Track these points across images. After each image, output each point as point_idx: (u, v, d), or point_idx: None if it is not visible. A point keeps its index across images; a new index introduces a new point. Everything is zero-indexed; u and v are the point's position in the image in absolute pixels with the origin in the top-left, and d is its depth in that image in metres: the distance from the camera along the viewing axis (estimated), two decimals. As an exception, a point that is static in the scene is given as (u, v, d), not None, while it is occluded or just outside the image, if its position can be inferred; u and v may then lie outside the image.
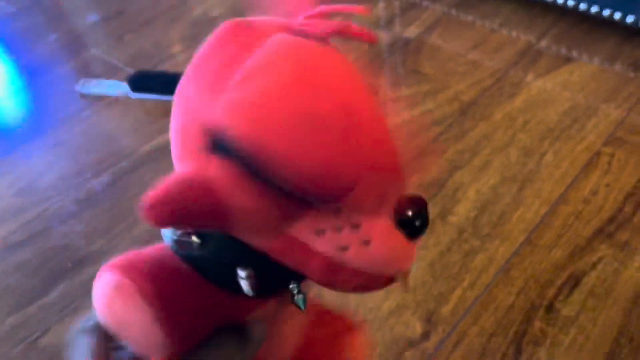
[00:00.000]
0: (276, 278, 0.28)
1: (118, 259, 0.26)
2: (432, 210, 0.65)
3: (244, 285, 0.26)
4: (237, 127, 0.22)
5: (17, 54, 1.05)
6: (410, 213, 0.25)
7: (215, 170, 0.23)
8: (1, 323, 0.61)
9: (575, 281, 0.57)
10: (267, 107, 0.22)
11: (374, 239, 0.24)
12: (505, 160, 0.70)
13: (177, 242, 0.27)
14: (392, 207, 0.25)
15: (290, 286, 0.28)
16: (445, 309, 0.56)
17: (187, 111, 0.26)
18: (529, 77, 0.81)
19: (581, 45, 0.84)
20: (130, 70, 0.91)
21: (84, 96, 0.92)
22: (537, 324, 0.54)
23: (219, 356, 0.28)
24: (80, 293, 0.63)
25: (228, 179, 0.23)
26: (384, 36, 0.93)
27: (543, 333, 0.53)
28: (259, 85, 0.22)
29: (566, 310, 0.55)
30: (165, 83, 0.86)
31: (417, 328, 0.55)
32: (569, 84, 0.78)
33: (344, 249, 0.24)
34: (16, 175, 0.80)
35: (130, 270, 0.25)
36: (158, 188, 0.22)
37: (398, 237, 0.25)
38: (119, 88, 0.90)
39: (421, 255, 0.61)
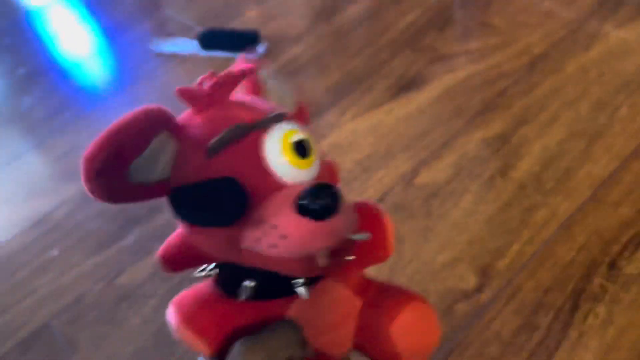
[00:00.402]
0: (274, 282, 0.32)
1: (179, 298, 0.35)
2: (494, 165, 0.64)
3: (242, 293, 0.32)
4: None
5: (96, 15, 1.11)
6: (309, 199, 0.27)
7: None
8: (84, 262, 0.67)
9: (642, 239, 0.54)
10: None
11: (288, 231, 0.28)
12: (574, 114, 0.67)
13: (202, 277, 0.34)
14: (295, 198, 0.28)
15: (293, 281, 0.32)
16: (501, 263, 0.56)
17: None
18: (607, 27, 0.76)
19: (669, -9, 0.78)
20: (201, 29, 0.94)
21: (158, 55, 0.96)
22: (597, 280, 0.53)
23: (280, 342, 0.33)
24: (153, 237, 0.67)
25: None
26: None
27: (603, 289, 0.52)
28: None
29: (630, 268, 0.53)
30: (233, 40, 0.89)
31: (471, 281, 0.55)
32: (651, 34, 0.73)
33: (274, 246, 0.28)
34: (97, 129, 0.85)
35: (185, 309, 0.34)
36: (164, 247, 0.33)
37: (304, 224, 0.27)
38: (190, 46, 0.94)
39: (479, 210, 0.60)
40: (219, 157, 0.29)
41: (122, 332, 0.59)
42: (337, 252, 0.30)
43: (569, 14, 0.79)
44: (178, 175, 0.30)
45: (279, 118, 0.30)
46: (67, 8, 1.14)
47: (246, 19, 0.98)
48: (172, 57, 0.95)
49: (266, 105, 0.32)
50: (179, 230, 0.33)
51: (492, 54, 0.77)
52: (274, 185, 0.29)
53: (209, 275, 0.34)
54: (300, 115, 0.36)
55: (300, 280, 0.32)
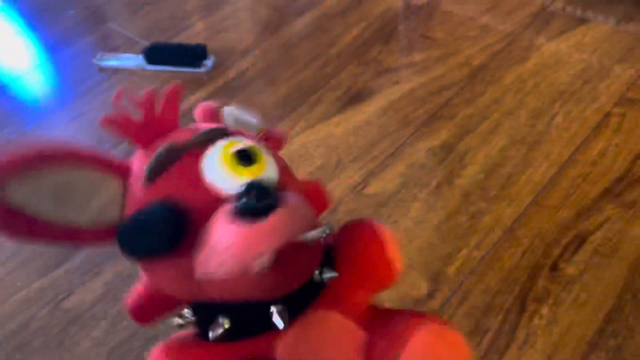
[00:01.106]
0: (250, 317, 0.30)
1: (165, 344, 0.31)
2: (440, 174, 0.66)
3: (218, 330, 0.29)
4: None
5: (37, 29, 1.08)
6: (245, 201, 0.25)
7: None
8: (30, 285, 0.64)
9: (580, 240, 0.57)
10: None
11: (228, 243, 0.25)
12: (514, 123, 0.70)
13: (178, 325, 0.32)
14: (232, 206, 0.26)
15: (271, 310, 0.29)
16: (451, 269, 0.58)
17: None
18: (541, 40, 0.80)
19: (596, 5, 0.83)
20: (147, 43, 0.93)
21: (102, 69, 0.94)
22: (541, 282, 0.55)
23: None
24: (102, 258, 0.66)
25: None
26: (398, 2, 0.93)
27: (547, 291, 0.54)
28: None
29: (570, 269, 0.55)
30: (180, 54, 0.88)
31: (423, 287, 0.57)
32: (582, 46, 0.78)
33: (221, 264, 0.25)
34: (39, 147, 0.83)
35: (165, 352, 0.31)
36: (131, 298, 0.31)
37: (239, 230, 0.25)
38: (135, 60, 0.92)
39: (428, 218, 0.62)
40: (157, 183, 0.27)
41: (72, 357, 0.57)
42: (293, 256, 0.26)
43: (505, 27, 0.83)
44: (125, 213, 0.28)
45: (219, 134, 0.28)
46: (6, 21, 1.10)
47: (193, 33, 0.97)
48: (117, 71, 0.93)
49: (211, 125, 0.30)
50: (139, 285, 0.31)
51: (434, 66, 0.80)
52: (219, 202, 0.26)
53: (187, 323, 0.31)
54: (274, 141, 0.34)
55: (275, 308, 0.29)
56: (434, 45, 0.83)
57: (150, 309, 0.30)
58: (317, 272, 0.31)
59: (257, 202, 0.25)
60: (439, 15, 0.88)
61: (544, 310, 0.53)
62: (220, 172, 0.27)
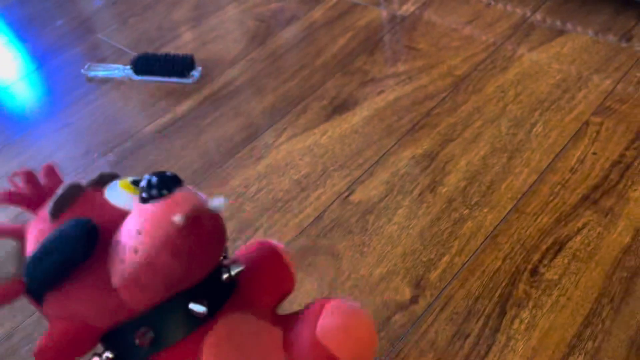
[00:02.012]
0: (170, 318, 0.31)
1: None
2: (423, 182, 0.67)
3: (143, 340, 0.31)
4: None
5: (25, 39, 1.08)
6: (146, 187, 0.29)
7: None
8: None
9: (559, 246, 0.59)
10: None
11: (141, 224, 0.28)
12: (495, 131, 0.71)
13: None
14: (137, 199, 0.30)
15: (189, 306, 0.31)
16: (434, 275, 0.59)
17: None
18: (522, 50, 0.82)
19: (575, 17, 0.85)
20: (135, 53, 0.94)
21: (90, 79, 0.95)
22: (522, 287, 0.56)
23: None
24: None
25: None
26: (382, 14, 0.94)
27: (527, 295, 0.55)
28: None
29: (550, 274, 0.57)
30: (168, 65, 0.89)
31: (406, 293, 0.58)
32: (560, 56, 0.79)
33: (135, 251, 0.29)
34: (26, 157, 0.83)
35: None
36: (39, 348, 0.29)
37: (152, 207, 0.29)
38: (123, 71, 0.93)
39: (411, 224, 0.63)
40: (63, 216, 0.29)
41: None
42: (202, 226, 0.30)
43: (487, 38, 0.85)
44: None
45: (110, 177, 0.32)
46: (-8, 32, 1.11)
47: (180, 44, 0.98)
48: (105, 81, 0.94)
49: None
50: (48, 330, 0.31)
51: (418, 76, 0.82)
52: (124, 216, 0.30)
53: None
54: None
55: (193, 304, 0.31)
56: (418, 55, 0.85)
57: (60, 356, 0.30)
58: (225, 271, 0.34)
59: (159, 187, 0.28)
60: (422, 26, 0.90)
61: (524, 315, 0.54)
62: (123, 193, 0.30)
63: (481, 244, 0.60)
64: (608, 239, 0.58)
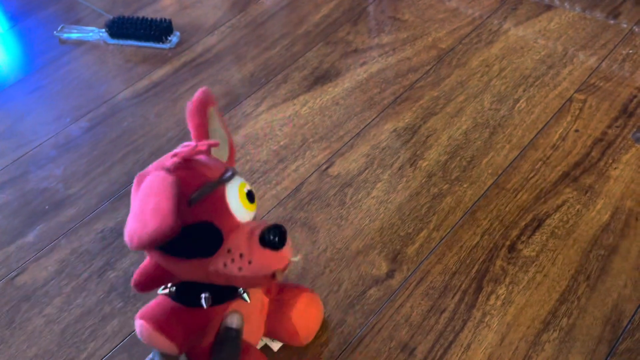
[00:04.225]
0: (224, 292, 0.44)
1: (144, 310, 0.42)
2: (404, 155, 0.66)
3: (204, 302, 0.42)
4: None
5: (-5, -2, 1.04)
6: (269, 236, 0.38)
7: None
8: (-19, 261, 0.62)
9: (538, 223, 0.58)
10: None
11: (253, 258, 0.38)
12: (478, 106, 0.70)
13: (163, 294, 0.44)
14: (258, 235, 0.39)
15: (239, 291, 0.44)
16: (411, 249, 0.58)
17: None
18: (508, 25, 0.80)
19: (563, -8, 0.83)
20: (110, 16, 0.91)
21: (63, 41, 0.91)
22: (499, 263, 0.56)
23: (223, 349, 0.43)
24: (57, 234, 0.64)
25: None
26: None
27: (504, 271, 0.55)
28: None
29: (527, 251, 0.56)
30: (144, 29, 0.86)
31: (383, 267, 0.57)
32: (547, 32, 0.78)
33: (240, 269, 0.39)
34: (-5, 120, 0.80)
35: (152, 318, 0.42)
36: (137, 274, 0.41)
37: (266, 253, 0.39)
38: (98, 34, 0.90)
39: (390, 198, 0.62)
40: (197, 206, 0.37)
41: (23, 335, 0.56)
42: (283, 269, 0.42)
43: (473, 12, 0.83)
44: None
45: (233, 174, 0.40)
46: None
47: (159, 8, 0.95)
48: (79, 44, 0.90)
49: (218, 163, 0.41)
50: (148, 261, 0.41)
51: (402, 48, 0.80)
52: (235, 224, 0.39)
53: (170, 293, 0.43)
54: (232, 156, 0.46)
55: (242, 290, 0.44)
56: (403, 27, 0.83)
57: (150, 284, 0.41)
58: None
59: (279, 239, 0.39)
60: (408, -3, 0.88)
61: (500, 291, 0.54)
62: (239, 206, 0.39)
63: (460, 219, 0.60)
64: (587, 216, 0.58)
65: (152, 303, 0.43)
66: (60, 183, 0.70)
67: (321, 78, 0.78)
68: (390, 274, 0.56)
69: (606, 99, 0.68)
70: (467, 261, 0.56)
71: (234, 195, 0.39)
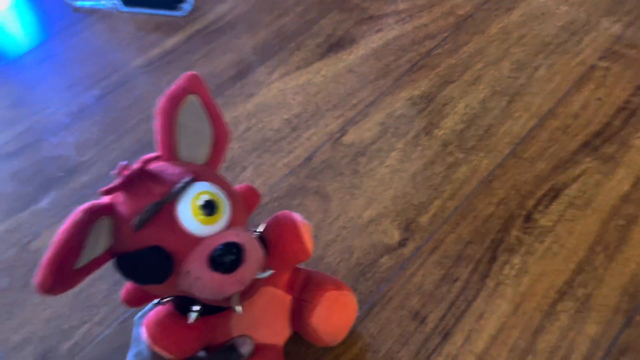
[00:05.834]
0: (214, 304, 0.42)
1: (148, 321, 0.41)
2: (419, 124, 0.65)
3: (191, 318, 0.41)
4: None
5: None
6: (219, 258, 0.35)
7: None
8: (-5, 227, 0.63)
9: (556, 192, 0.57)
10: None
11: (206, 283, 0.35)
12: (497, 74, 0.68)
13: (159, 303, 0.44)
14: (207, 257, 0.35)
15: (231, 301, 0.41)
16: (424, 218, 0.57)
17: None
18: (529, -10, 0.78)
19: (588, -43, 0.80)
20: (122, -16, 0.89)
21: (76, 10, 0.91)
22: (514, 232, 0.54)
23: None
24: (70, 201, 0.64)
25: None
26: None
27: (519, 241, 0.54)
28: None
29: (544, 220, 0.55)
30: (157, -4, 0.85)
31: (395, 235, 0.56)
32: (570, -3, 0.75)
33: (201, 292, 0.36)
34: (9, 88, 0.80)
35: (152, 332, 0.41)
36: (124, 292, 0.42)
37: (215, 276, 0.35)
38: (111, 1, 0.89)
39: (404, 167, 0.61)
40: (144, 230, 0.34)
41: (37, 298, 0.56)
42: (247, 289, 0.39)
43: (494, -23, 0.81)
44: (116, 244, 0.36)
45: (187, 185, 0.35)
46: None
47: (171, -25, 0.94)
48: (92, 12, 0.90)
49: (176, 172, 0.36)
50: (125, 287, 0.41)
51: (419, 15, 0.78)
52: (193, 242, 0.35)
53: (167, 301, 0.42)
54: (217, 153, 0.40)
55: (235, 299, 0.40)
56: (420, -7, 0.81)
57: (140, 299, 0.41)
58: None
59: (230, 260, 0.35)
60: (426, -37, 0.85)
61: (515, 261, 0.53)
62: (192, 221, 0.35)
63: (475, 188, 0.58)
64: (606, 186, 0.56)
65: (156, 312, 0.42)
66: (73, 150, 0.70)
67: (335, 45, 0.76)
68: (402, 243, 0.55)
69: (631, 67, 0.66)
70: (482, 231, 0.55)
71: (186, 210, 0.35)
